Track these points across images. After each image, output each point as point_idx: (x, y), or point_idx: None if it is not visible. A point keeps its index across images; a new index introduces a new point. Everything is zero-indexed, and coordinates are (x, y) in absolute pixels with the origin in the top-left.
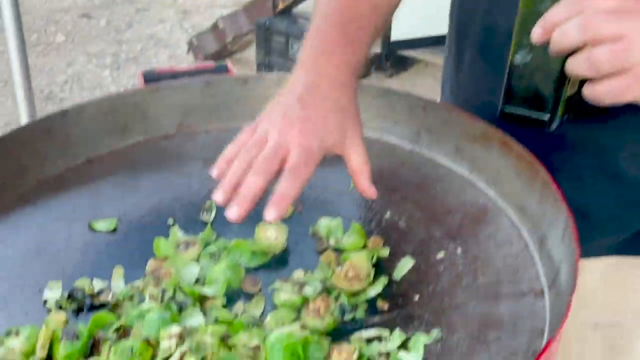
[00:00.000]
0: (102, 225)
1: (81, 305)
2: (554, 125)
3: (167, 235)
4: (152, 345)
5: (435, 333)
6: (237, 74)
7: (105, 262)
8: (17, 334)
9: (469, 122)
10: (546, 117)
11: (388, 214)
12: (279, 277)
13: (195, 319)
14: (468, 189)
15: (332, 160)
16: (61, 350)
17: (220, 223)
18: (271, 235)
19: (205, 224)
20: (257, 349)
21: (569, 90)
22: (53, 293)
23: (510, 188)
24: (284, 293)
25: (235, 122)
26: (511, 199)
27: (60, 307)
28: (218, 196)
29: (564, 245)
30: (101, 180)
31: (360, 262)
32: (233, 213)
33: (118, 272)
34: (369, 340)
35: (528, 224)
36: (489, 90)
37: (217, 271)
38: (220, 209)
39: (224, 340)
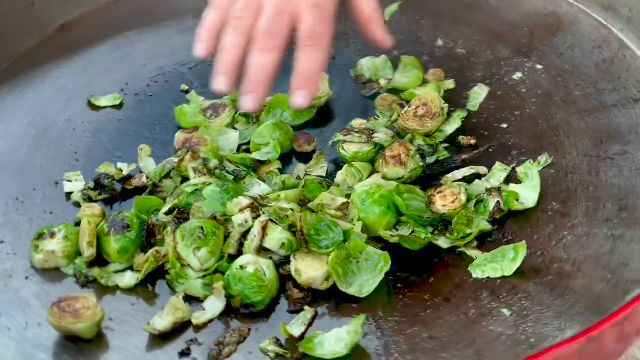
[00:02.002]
0: (105, 101)
1: (113, 193)
2: None
3: (182, 104)
4: (220, 221)
5: (545, 158)
6: None
7: (123, 143)
8: (52, 235)
9: None
10: None
11: (440, 42)
12: (335, 131)
13: (257, 188)
14: None
15: None
16: (113, 244)
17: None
18: None
19: None
20: (344, 207)
21: None
22: (75, 185)
23: None
24: (352, 145)
25: None
26: None
27: (90, 199)
28: (220, 85)
29: None
30: (86, 48)
31: (429, 96)
32: (249, 103)
33: (144, 151)
34: (468, 181)
35: (621, 22)
36: None
37: (263, 132)
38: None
39: (302, 204)
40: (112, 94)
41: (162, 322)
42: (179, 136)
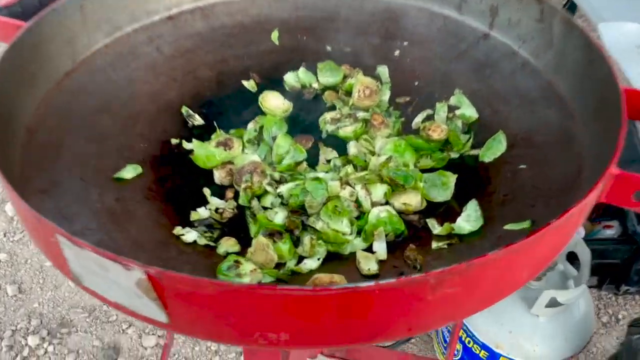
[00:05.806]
0: (128, 172)
1: (220, 227)
2: None
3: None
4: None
5: (458, 90)
6: None
7: (177, 199)
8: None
9: None
10: None
11: (329, 48)
12: (311, 131)
13: (320, 175)
14: None
15: None
16: (282, 246)
17: (214, 118)
18: (277, 101)
19: (195, 128)
20: (389, 160)
21: None
22: (190, 234)
23: None
24: (347, 127)
25: None
26: None
27: (212, 239)
28: None
29: None
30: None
31: (365, 80)
32: None
33: (207, 192)
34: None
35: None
36: None
37: (281, 144)
38: (206, 111)
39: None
40: (129, 165)
41: (374, 265)
42: (220, 173)
